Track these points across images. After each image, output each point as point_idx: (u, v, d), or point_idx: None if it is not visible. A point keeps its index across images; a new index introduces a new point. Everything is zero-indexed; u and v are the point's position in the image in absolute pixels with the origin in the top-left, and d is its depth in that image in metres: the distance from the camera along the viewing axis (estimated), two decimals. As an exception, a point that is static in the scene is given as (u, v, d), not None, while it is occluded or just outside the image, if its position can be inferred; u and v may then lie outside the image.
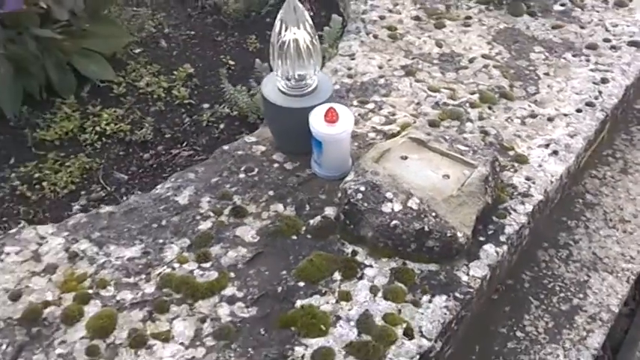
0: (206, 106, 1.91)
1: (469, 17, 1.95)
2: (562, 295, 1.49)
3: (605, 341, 1.46)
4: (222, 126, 1.83)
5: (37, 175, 1.63)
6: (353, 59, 1.76)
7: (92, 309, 1.12)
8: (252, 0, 2.22)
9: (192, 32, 2.22)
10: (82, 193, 1.60)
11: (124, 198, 1.56)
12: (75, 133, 1.77)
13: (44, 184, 1.61)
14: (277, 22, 1.33)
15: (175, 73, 1.99)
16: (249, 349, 1.09)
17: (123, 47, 2.04)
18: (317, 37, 1.34)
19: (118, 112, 1.84)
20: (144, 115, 1.85)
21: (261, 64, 1.86)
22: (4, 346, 1.05)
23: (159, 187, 1.38)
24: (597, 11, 2.01)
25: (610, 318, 1.44)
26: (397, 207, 1.24)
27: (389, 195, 1.26)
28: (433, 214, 1.23)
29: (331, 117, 1.32)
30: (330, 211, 1.33)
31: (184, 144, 1.79)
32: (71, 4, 1.86)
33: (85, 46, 1.92)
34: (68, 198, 1.58)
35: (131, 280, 1.18)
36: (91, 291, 1.15)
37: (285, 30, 1.31)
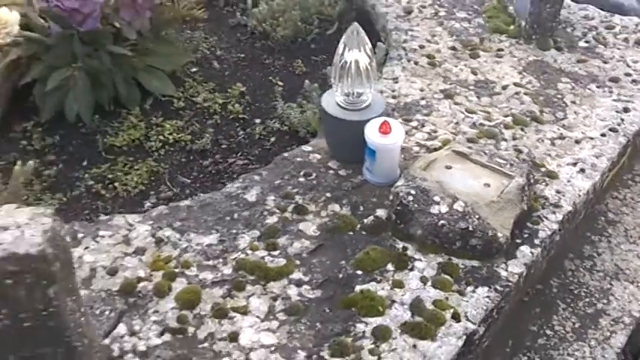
0: (258, 121, 2.12)
1: (501, 49, 2.18)
2: (587, 300, 1.66)
3: (627, 345, 1.62)
4: (273, 139, 2.04)
5: (109, 176, 1.84)
6: (396, 82, 1.98)
7: (179, 285, 1.31)
8: (299, 27, 2.46)
9: (242, 55, 2.45)
10: (152, 193, 1.80)
11: (189, 199, 1.76)
12: (141, 140, 1.98)
13: (116, 184, 1.81)
14: (340, 45, 1.55)
15: (229, 90, 2.22)
16: (317, 324, 1.26)
17: (182, 66, 2.27)
18: (374, 59, 1.56)
19: (178, 124, 2.06)
20: (202, 127, 2.06)
21: (310, 84, 2.09)
22: (107, 312, 1.24)
23: (229, 185, 1.58)
24: (619, 49, 2.23)
25: (632, 322, 1.60)
26: (444, 209, 1.43)
27: (436, 198, 1.45)
28: (476, 216, 1.42)
29: (385, 129, 1.53)
30: (381, 213, 1.52)
31: (239, 154, 1.99)
32: (139, 25, 2.10)
33: (149, 63, 2.15)
34: (139, 197, 1.78)
35: (210, 262, 1.37)
36: (177, 270, 1.34)
37: (348, 52, 1.53)
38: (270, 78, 2.33)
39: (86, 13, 1.94)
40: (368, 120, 1.57)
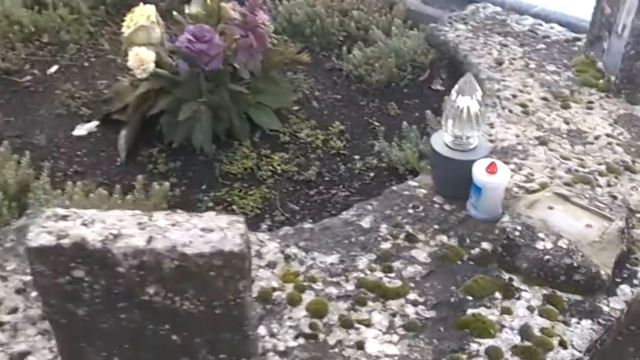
0: (357, 157, 2.33)
1: (591, 102, 2.32)
2: (682, 344, 1.74)
3: None
4: (372, 174, 2.24)
5: (228, 200, 2.07)
6: (492, 128, 2.15)
7: (308, 297, 1.50)
8: (394, 73, 2.68)
9: (339, 96, 2.69)
10: (266, 216, 2.01)
11: (299, 224, 1.96)
12: (253, 169, 2.22)
13: (234, 207, 2.04)
14: (454, 92, 1.74)
15: (330, 128, 2.44)
16: (434, 340, 1.42)
17: (286, 104, 2.52)
18: (484, 106, 1.74)
19: (285, 156, 2.29)
20: (307, 160, 2.28)
21: (408, 126, 2.29)
22: (249, 314, 1.42)
23: (344, 212, 1.77)
24: None
25: None
26: (549, 245, 1.57)
27: (541, 235, 1.60)
28: (580, 253, 1.56)
29: (492, 169, 1.69)
30: (486, 245, 1.67)
31: (341, 186, 2.19)
32: (252, 66, 2.37)
33: (259, 100, 2.41)
34: (255, 219, 2.00)
35: (334, 279, 1.55)
36: (305, 283, 1.53)
37: (460, 98, 1.72)
38: (367, 118, 2.55)
39: (212, 55, 2.21)
40: (474, 160, 1.74)
